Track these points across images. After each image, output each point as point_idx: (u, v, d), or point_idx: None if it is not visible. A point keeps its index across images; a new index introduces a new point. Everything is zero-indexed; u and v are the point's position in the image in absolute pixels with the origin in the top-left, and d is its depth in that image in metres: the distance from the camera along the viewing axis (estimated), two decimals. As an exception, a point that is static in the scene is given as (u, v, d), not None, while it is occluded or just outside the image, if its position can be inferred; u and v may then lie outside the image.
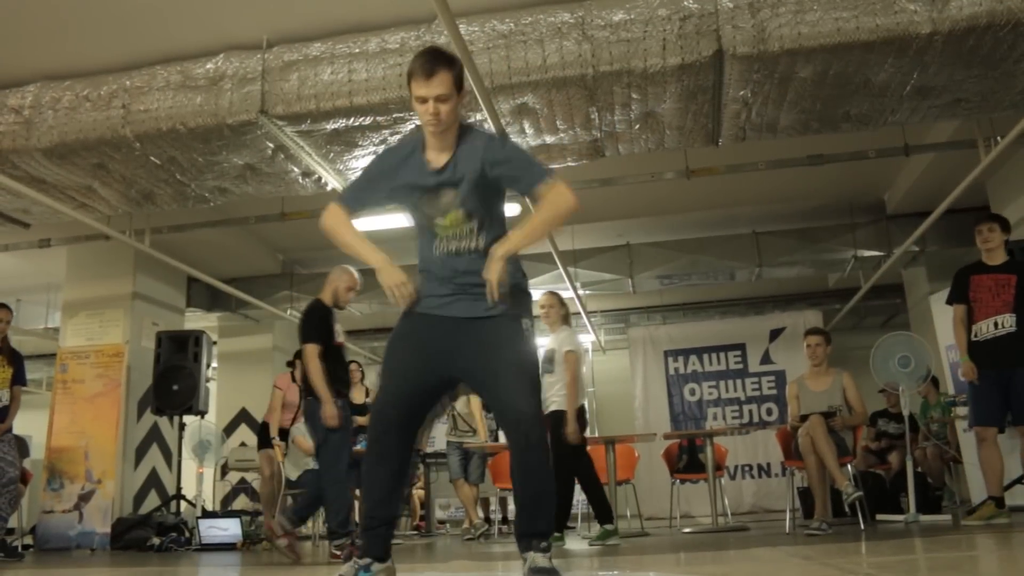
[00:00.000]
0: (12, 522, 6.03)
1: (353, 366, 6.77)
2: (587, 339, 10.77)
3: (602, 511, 5.12)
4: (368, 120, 4.57)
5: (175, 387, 6.96)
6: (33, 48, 4.78)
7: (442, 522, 9.08)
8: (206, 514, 6.63)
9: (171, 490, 7.35)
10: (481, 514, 7.22)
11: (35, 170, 5.08)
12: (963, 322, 4.77)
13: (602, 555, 4.12)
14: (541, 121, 4.69)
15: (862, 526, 5.01)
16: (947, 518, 5.59)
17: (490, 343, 2.41)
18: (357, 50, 4.51)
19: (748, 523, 6.84)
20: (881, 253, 7.61)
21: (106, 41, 4.73)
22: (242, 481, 8.71)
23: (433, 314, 2.47)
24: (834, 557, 3.20)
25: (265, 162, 5.10)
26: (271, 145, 4.89)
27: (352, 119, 4.56)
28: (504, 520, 7.75)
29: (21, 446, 6.60)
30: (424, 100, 2.35)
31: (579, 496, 5.46)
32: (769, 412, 9.44)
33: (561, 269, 7.30)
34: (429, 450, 7.95)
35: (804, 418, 5.15)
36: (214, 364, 8.50)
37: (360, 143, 4.84)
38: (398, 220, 6.10)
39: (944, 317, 5.93)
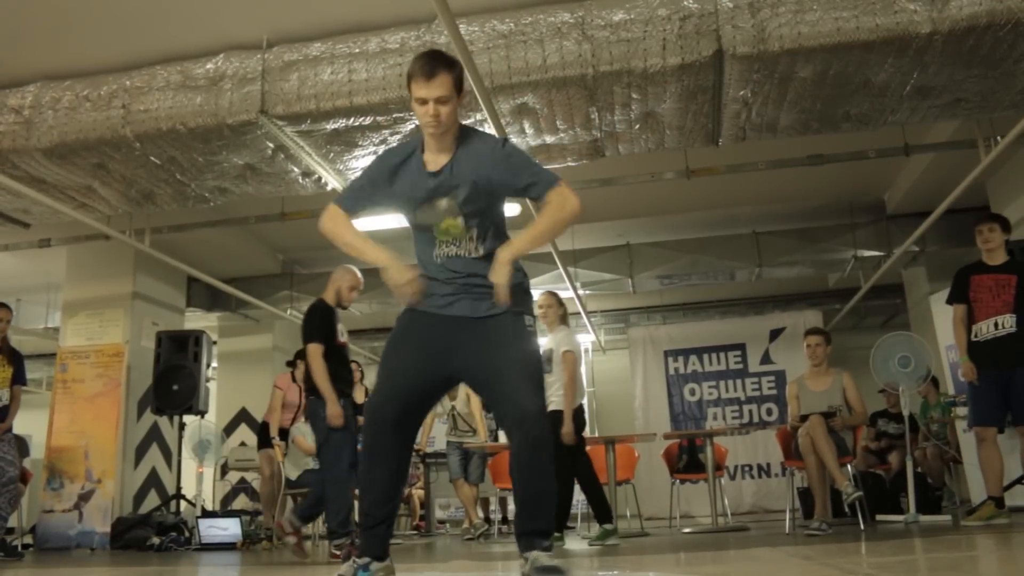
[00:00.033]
0: (12, 521, 6.03)
1: (352, 366, 6.77)
2: (587, 339, 10.78)
3: (601, 511, 5.12)
4: (368, 120, 4.57)
5: (175, 387, 6.96)
6: (33, 48, 4.78)
7: (442, 522, 9.08)
8: (206, 514, 6.63)
9: (171, 490, 7.35)
10: (481, 514, 7.22)
11: (35, 170, 5.08)
12: (963, 322, 4.77)
13: (602, 555, 4.12)
14: (541, 121, 4.69)
15: (862, 526, 5.01)
16: (947, 518, 5.59)
17: (493, 341, 2.40)
18: (357, 50, 4.51)
19: (748, 523, 6.85)
20: (881, 253, 7.61)
21: (106, 41, 4.73)
22: (242, 481, 8.71)
23: (434, 313, 2.46)
24: (834, 557, 3.20)
25: (265, 162, 5.10)
26: (271, 145, 4.89)
27: (352, 119, 4.56)
28: (504, 520, 7.75)
29: (21, 445, 6.60)
30: (424, 102, 2.35)
31: (579, 496, 5.46)
32: (769, 412, 9.45)
33: (561, 269, 7.31)
34: (429, 450, 7.96)
35: (804, 418, 5.15)
36: (214, 364, 8.50)
37: (360, 143, 4.84)
38: (398, 220, 6.09)
39: (944, 317, 5.93)
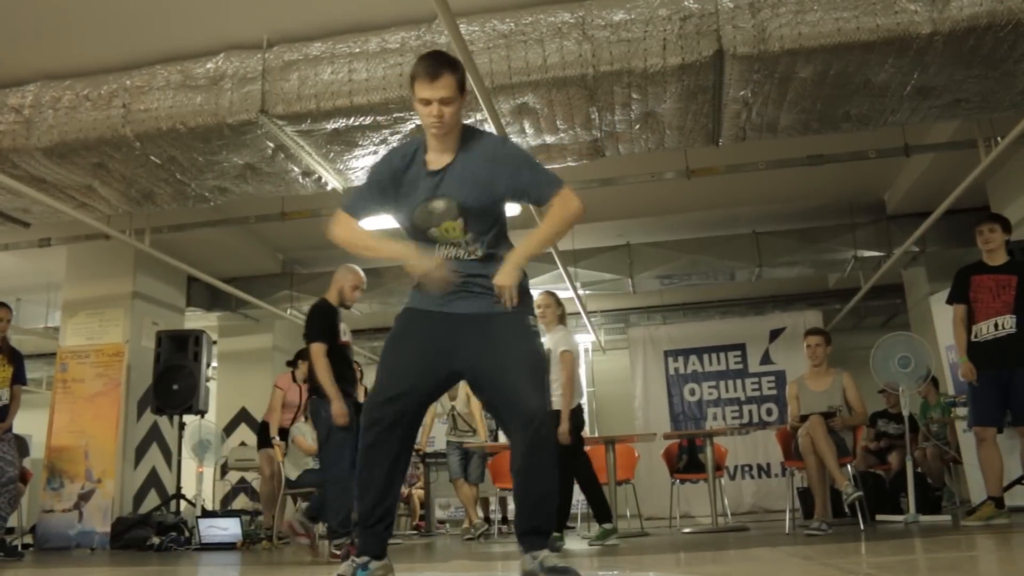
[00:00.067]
0: (12, 521, 6.03)
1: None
2: (587, 339, 10.78)
3: (601, 510, 5.12)
4: (368, 120, 4.57)
5: (175, 387, 6.96)
6: (33, 48, 4.78)
7: (442, 522, 9.08)
8: (206, 513, 6.63)
9: (171, 489, 7.35)
10: (481, 514, 7.22)
11: (35, 169, 5.08)
12: (963, 322, 4.77)
13: (602, 555, 4.12)
14: (541, 121, 4.69)
15: (862, 526, 5.01)
16: (947, 518, 5.59)
17: (496, 339, 2.40)
18: (357, 50, 4.51)
19: (748, 523, 6.85)
20: (881, 253, 7.61)
21: (106, 41, 4.73)
22: (242, 481, 8.71)
23: (434, 311, 2.46)
24: (834, 557, 3.20)
25: (265, 162, 5.10)
26: (271, 145, 4.89)
27: (352, 119, 4.56)
28: (504, 520, 7.75)
29: (21, 445, 6.60)
30: (428, 102, 2.35)
31: (578, 496, 5.47)
32: (769, 412, 9.45)
33: (561, 269, 7.31)
34: (429, 450, 7.96)
35: (804, 418, 5.15)
36: (214, 364, 8.50)
37: (360, 143, 4.84)
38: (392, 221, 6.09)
39: (944, 317, 5.93)
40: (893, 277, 8.49)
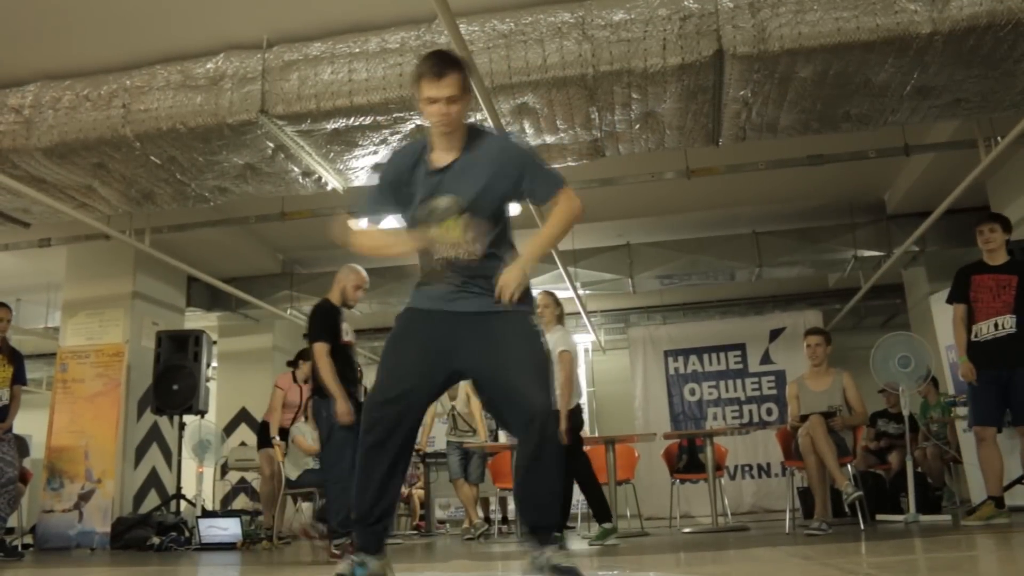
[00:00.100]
0: (12, 521, 6.03)
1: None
2: (587, 339, 10.78)
3: (600, 510, 5.12)
4: (368, 120, 4.57)
5: (175, 387, 6.96)
6: (33, 48, 4.78)
7: (442, 522, 9.08)
8: (206, 514, 6.63)
9: (171, 490, 7.35)
10: (481, 514, 7.22)
11: (35, 169, 5.08)
12: (963, 322, 4.76)
13: (602, 555, 4.12)
14: (541, 121, 4.69)
15: (862, 526, 5.01)
16: (947, 518, 5.59)
17: (498, 338, 2.39)
18: (357, 50, 4.51)
19: (748, 523, 6.85)
20: (881, 253, 7.61)
21: (106, 41, 4.73)
22: (242, 481, 8.71)
23: (436, 311, 2.46)
24: (834, 557, 3.20)
25: (265, 162, 5.10)
26: (271, 145, 4.89)
27: (352, 119, 4.56)
28: (504, 520, 7.75)
29: (21, 445, 6.60)
30: (434, 101, 2.36)
31: (578, 496, 5.46)
32: (769, 412, 9.44)
33: (561, 269, 7.31)
34: (429, 450, 7.96)
35: (804, 418, 5.15)
36: (214, 364, 8.49)
37: (360, 143, 4.84)
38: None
39: (944, 317, 5.93)
40: (893, 277, 8.49)
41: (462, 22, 4.19)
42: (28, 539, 6.96)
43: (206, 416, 7.15)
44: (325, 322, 4.52)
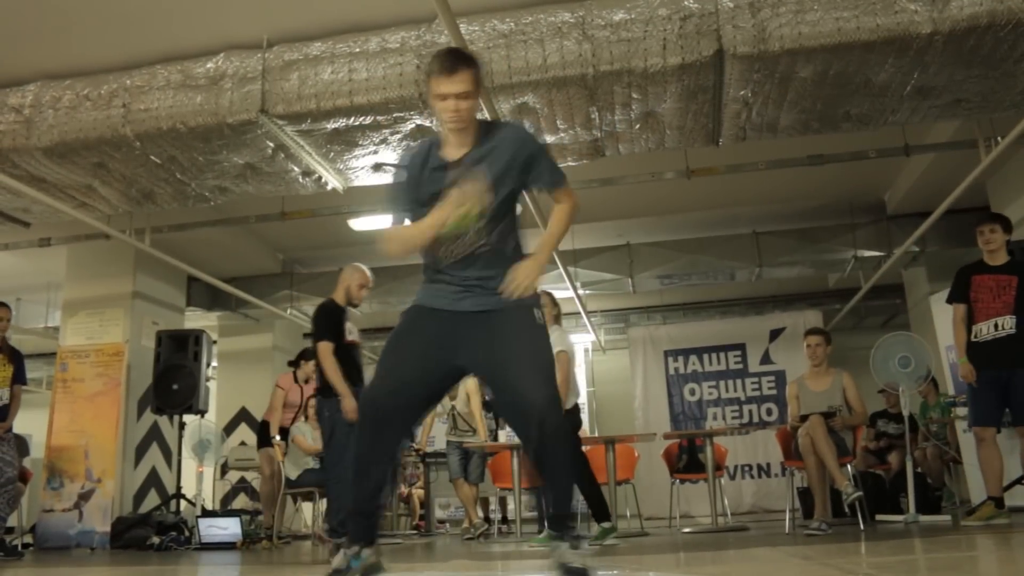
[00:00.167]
0: (12, 521, 6.03)
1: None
2: (587, 339, 10.78)
3: (599, 510, 5.12)
4: (368, 119, 4.57)
5: (175, 386, 6.96)
6: (33, 48, 4.78)
7: (442, 522, 9.08)
8: (206, 513, 6.63)
9: (171, 489, 7.35)
10: (481, 514, 7.22)
11: (35, 169, 5.08)
12: (963, 322, 4.76)
13: (602, 555, 4.12)
14: (541, 121, 4.68)
15: (862, 526, 5.01)
16: (947, 518, 5.59)
17: (500, 334, 2.39)
18: (357, 49, 4.51)
19: (748, 523, 6.85)
20: (881, 253, 7.61)
21: (106, 40, 4.73)
22: (242, 480, 8.71)
23: (441, 310, 2.46)
24: (834, 557, 3.20)
25: (265, 161, 5.10)
26: (271, 144, 4.89)
27: (352, 118, 4.56)
28: (504, 520, 7.75)
29: (21, 445, 6.60)
30: (445, 97, 2.36)
31: (578, 496, 5.46)
32: (769, 412, 9.44)
33: (561, 269, 7.30)
34: (429, 450, 7.96)
35: (804, 418, 5.15)
36: (214, 363, 8.50)
37: (360, 143, 4.84)
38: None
39: (944, 317, 5.93)
40: (893, 277, 8.49)
41: (462, 22, 4.19)
42: (28, 538, 6.96)
43: (206, 416, 7.15)
44: (329, 322, 4.54)
